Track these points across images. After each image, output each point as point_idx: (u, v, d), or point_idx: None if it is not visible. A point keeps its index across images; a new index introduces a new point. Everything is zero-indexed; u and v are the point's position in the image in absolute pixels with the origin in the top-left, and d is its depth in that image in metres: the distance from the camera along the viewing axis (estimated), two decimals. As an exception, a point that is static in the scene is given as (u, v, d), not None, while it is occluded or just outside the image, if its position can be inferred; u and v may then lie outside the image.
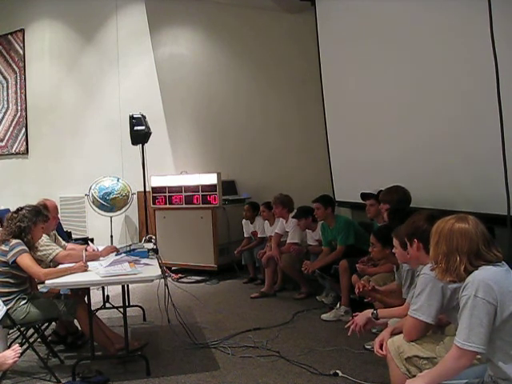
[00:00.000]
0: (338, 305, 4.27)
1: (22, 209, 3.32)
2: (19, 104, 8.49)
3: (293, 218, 5.09)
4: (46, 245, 3.51)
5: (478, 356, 1.82)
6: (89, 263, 3.33)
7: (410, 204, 3.72)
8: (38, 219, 3.30)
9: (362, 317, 2.55)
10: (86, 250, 3.62)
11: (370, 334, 3.57)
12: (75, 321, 3.47)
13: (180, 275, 6.22)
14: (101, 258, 3.67)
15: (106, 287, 4.31)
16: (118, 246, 4.08)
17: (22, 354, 2.71)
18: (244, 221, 6.02)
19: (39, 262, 3.32)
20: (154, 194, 6.45)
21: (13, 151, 8.58)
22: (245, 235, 6.02)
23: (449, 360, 1.74)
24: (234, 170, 6.79)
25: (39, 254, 3.42)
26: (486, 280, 1.69)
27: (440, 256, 1.82)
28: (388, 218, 3.50)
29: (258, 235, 5.83)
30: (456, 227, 1.81)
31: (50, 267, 3.42)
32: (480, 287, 1.68)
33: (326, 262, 4.52)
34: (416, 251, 2.21)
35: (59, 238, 4.01)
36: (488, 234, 1.83)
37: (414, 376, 2.00)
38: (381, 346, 2.25)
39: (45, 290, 3.57)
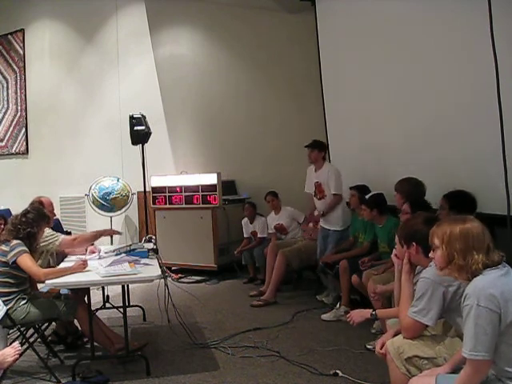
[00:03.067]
0: (338, 305, 4.27)
1: (28, 212, 3.32)
2: (19, 104, 8.49)
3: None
4: (50, 234, 3.56)
5: None
6: (89, 263, 3.34)
7: (423, 196, 3.59)
8: (43, 222, 3.36)
9: (361, 317, 2.56)
10: (87, 249, 3.63)
11: (370, 334, 3.59)
12: (75, 321, 3.48)
13: (180, 275, 6.22)
14: (100, 259, 3.68)
15: (105, 287, 4.30)
16: (118, 246, 4.11)
17: (22, 353, 2.71)
18: (244, 221, 6.02)
19: (43, 252, 3.36)
20: (154, 194, 6.45)
21: (13, 151, 8.58)
22: (245, 235, 6.02)
23: (462, 376, 1.72)
24: (234, 170, 6.78)
25: (44, 244, 3.46)
26: (487, 288, 1.68)
27: (455, 254, 1.79)
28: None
29: (258, 235, 5.83)
30: (468, 226, 1.81)
31: (51, 267, 3.44)
32: (481, 296, 1.66)
33: (349, 255, 4.34)
34: (415, 254, 2.21)
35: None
36: (489, 235, 1.84)
37: (415, 376, 2.00)
38: (382, 347, 2.26)
39: (45, 290, 3.58)
